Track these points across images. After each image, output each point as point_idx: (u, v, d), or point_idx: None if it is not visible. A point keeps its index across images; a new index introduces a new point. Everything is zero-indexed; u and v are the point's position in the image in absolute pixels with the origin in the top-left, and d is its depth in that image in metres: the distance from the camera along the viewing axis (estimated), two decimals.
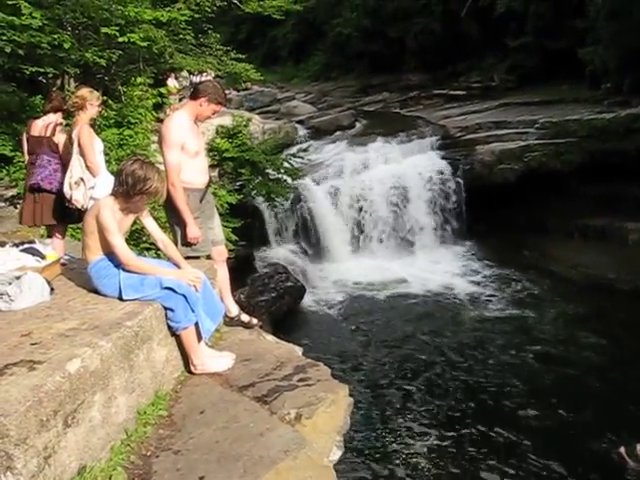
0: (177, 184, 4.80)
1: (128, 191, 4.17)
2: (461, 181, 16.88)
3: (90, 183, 6.09)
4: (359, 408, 8.52)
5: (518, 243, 15.36)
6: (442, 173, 17.00)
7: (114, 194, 4.24)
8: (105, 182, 5.81)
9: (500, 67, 24.36)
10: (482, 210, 15.65)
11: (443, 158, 17.34)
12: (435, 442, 8.49)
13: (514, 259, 15.02)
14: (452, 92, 24.50)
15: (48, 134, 6.56)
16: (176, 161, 4.82)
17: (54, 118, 6.66)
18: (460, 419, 9.00)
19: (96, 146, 6.33)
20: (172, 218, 4.99)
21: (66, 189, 6.20)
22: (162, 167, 4.80)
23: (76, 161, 6.13)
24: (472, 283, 14.21)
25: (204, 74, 17.79)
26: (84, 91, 6.48)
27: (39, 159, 6.58)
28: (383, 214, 16.43)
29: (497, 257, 15.37)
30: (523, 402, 9.28)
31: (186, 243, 4.92)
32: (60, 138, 6.52)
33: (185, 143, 4.85)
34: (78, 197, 6.08)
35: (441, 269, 14.92)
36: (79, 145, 6.16)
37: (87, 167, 6.16)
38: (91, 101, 6.36)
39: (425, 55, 27.34)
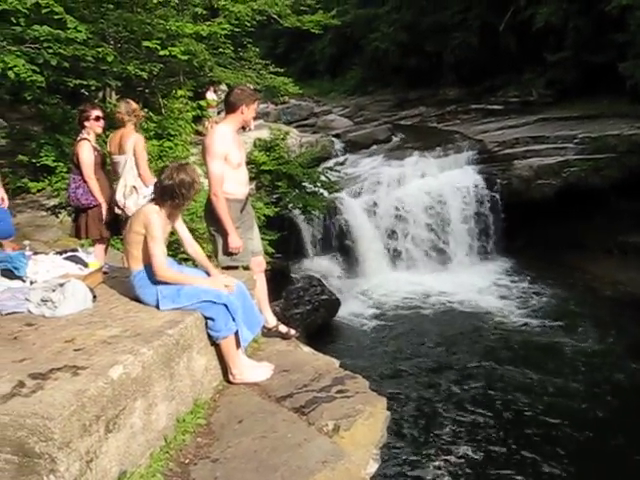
0: (220, 194, 4.87)
1: (183, 200, 4.26)
2: (498, 196, 16.76)
3: (142, 192, 6.20)
4: (394, 421, 8.48)
5: (556, 259, 15.18)
6: (479, 188, 16.88)
7: (161, 204, 4.29)
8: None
9: (538, 81, 24.17)
10: (519, 226, 15.52)
11: (480, 173, 17.22)
12: (470, 457, 8.41)
13: (552, 276, 14.85)
14: (490, 106, 24.36)
15: (75, 150, 6.72)
16: (219, 172, 4.88)
17: (84, 133, 6.78)
18: (495, 435, 8.91)
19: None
20: (213, 228, 5.05)
21: (119, 197, 6.34)
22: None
23: (130, 170, 6.25)
24: (509, 299, 14.05)
25: (212, 88, 18.00)
26: (131, 103, 6.66)
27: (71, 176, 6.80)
28: (419, 228, 16.37)
29: (534, 273, 15.20)
30: (562, 424, 9.13)
31: (227, 253, 4.97)
32: (81, 153, 6.61)
33: (228, 154, 4.91)
34: (130, 205, 6.21)
35: (477, 284, 14.78)
36: (134, 154, 6.31)
37: (139, 176, 6.29)
38: (138, 112, 6.57)
39: (462, 69, 27.28)
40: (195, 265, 4.85)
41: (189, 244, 4.64)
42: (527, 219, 15.22)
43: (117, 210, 6.49)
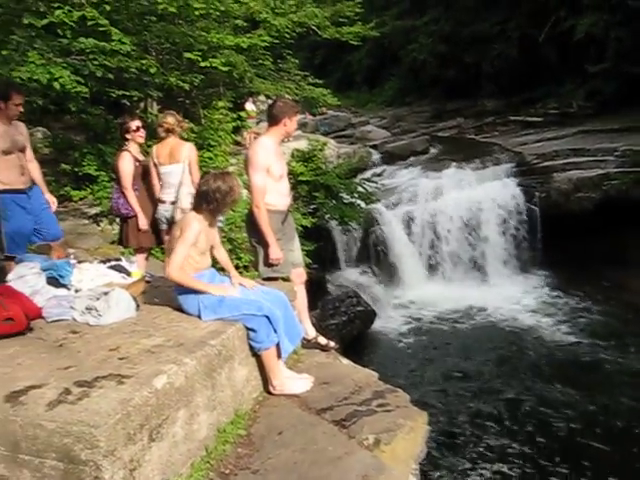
0: (262, 206, 4.91)
1: (219, 206, 4.30)
2: (537, 209, 16.57)
3: None
4: (432, 436, 8.41)
5: (595, 274, 14.93)
6: (517, 200, 16.70)
7: (199, 211, 4.34)
8: None
9: (579, 93, 23.87)
10: (558, 239, 15.30)
11: (518, 185, 17.02)
12: (509, 475, 8.30)
13: (591, 290, 14.61)
14: (529, 118, 24.10)
15: (115, 161, 6.87)
16: (262, 184, 4.93)
17: (126, 144, 6.90)
18: (536, 454, 8.75)
19: None
20: (254, 239, 5.09)
21: (187, 205, 6.40)
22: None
23: (186, 179, 6.35)
24: (547, 314, 13.86)
25: (251, 99, 18.10)
26: (176, 115, 6.78)
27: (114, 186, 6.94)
28: (456, 241, 16.25)
29: (573, 287, 14.98)
30: (606, 442, 8.92)
31: (268, 264, 5.01)
32: (120, 163, 6.74)
33: (271, 166, 4.96)
34: None
35: (515, 298, 14.59)
36: (189, 164, 6.41)
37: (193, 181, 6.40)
38: (182, 123, 6.68)
39: (501, 80, 27.08)
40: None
41: (216, 246, 4.72)
42: (566, 232, 15.01)
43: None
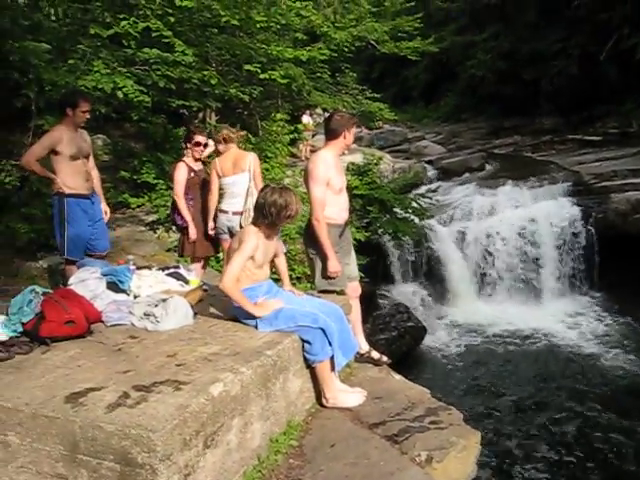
0: (321, 219, 4.93)
1: (274, 221, 4.32)
2: (593, 229, 16.28)
3: None
4: (483, 456, 8.30)
5: None
6: (573, 220, 16.42)
7: (257, 224, 4.39)
8: None
9: (639, 113, 23.46)
10: (614, 261, 14.98)
11: (575, 205, 16.75)
12: None
13: None
14: (587, 137, 23.70)
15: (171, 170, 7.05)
16: (322, 197, 4.95)
17: (184, 153, 7.06)
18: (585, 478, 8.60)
19: None
20: (312, 252, 5.11)
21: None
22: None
23: (253, 189, 6.45)
24: (600, 336, 13.56)
25: (308, 111, 18.16)
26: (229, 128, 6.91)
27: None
28: (510, 259, 16.04)
29: (629, 311, 14.61)
30: None
31: (326, 277, 5.02)
32: (174, 173, 6.90)
33: (331, 179, 4.98)
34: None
35: (568, 319, 14.33)
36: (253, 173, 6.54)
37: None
38: (238, 134, 6.81)
39: (560, 99, 26.71)
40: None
41: (277, 255, 4.80)
42: (623, 254, 14.70)
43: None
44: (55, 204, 6.16)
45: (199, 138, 6.88)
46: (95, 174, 6.51)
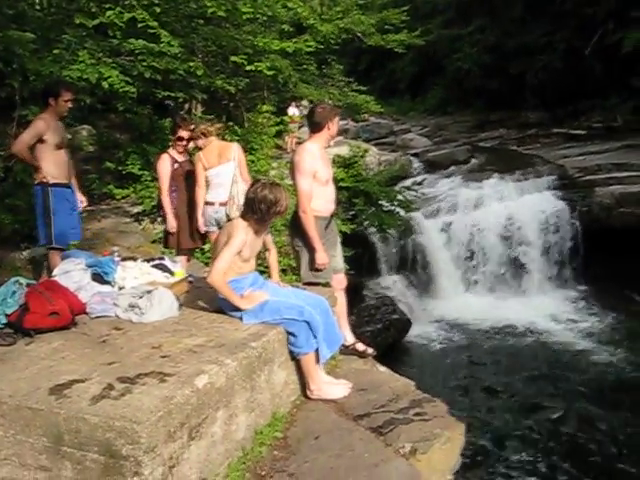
0: (308, 211, 4.94)
1: (263, 217, 4.32)
2: (578, 223, 16.36)
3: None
4: (467, 448, 8.33)
5: (637, 291, 14.70)
6: (558, 213, 16.52)
7: (245, 218, 4.38)
8: None
9: (624, 107, 23.53)
10: (599, 254, 15.08)
11: (560, 198, 16.82)
12: None
13: (631, 308, 14.35)
14: (572, 131, 23.79)
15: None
16: (308, 189, 4.96)
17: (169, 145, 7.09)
18: (567, 473, 8.65)
19: None
20: (298, 244, 5.12)
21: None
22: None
23: (238, 177, 6.47)
24: (584, 329, 13.65)
25: (294, 103, 18.13)
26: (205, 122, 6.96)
27: None
28: (495, 252, 16.10)
29: (612, 304, 14.71)
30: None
31: (313, 269, 5.03)
32: (157, 165, 6.94)
33: (317, 172, 4.98)
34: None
35: (553, 312, 14.40)
36: (238, 162, 6.58)
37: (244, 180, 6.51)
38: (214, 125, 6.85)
39: (545, 92, 26.82)
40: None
41: (269, 249, 4.87)
42: (608, 248, 14.79)
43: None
44: (38, 194, 6.21)
45: (182, 133, 6.86)
46: (70, 163, 6.54)
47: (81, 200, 6.71)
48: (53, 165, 6.13)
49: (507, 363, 12.11)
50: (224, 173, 6.50)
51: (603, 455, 9.01)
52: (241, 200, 6.30)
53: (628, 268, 14.57)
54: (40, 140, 6.03)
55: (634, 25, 22.12)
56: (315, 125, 5.16)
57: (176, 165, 6.82)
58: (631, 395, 10.69)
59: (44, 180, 6.09)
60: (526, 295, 15.55)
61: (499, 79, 29.04)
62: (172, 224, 6.78)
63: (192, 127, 6.97)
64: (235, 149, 6.68)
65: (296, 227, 5.06)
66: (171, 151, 6.90)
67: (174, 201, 6.81)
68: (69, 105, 6.26)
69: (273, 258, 4.95)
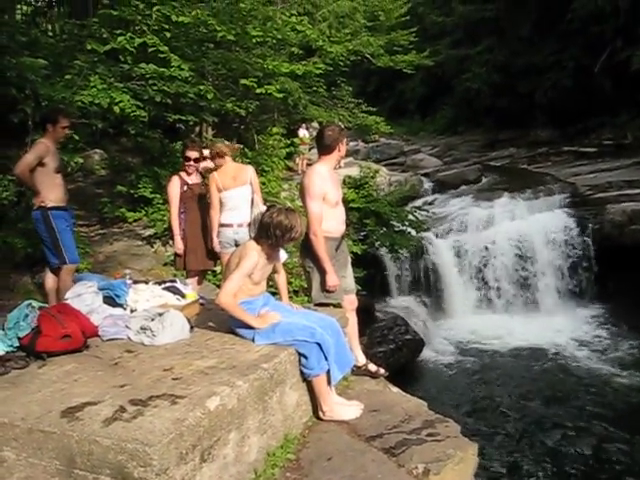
0: (319, 234, 4.95)
1: (277, 242, 4.35)
2: (590, 241, 16.30)
3: None
4: (481, 468, 8.26)
5: None
6: (570, 232, 16.46)
7: (259, 242, 4.40)
8: None
9: (634, 124, 23.51)
10: (611, 272, 15.01)
11: (571, 216, 16.79)
12: None
13: None
14: (582, 149, 23.81)
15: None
16: (319, 211, 4.97)
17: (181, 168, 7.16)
18: None
19: None
20: (309, 265, 5.12)
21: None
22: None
23: (258, 200, 6.55)
24: (599, 348, 13.55)
25: (304, 125, 18.20)
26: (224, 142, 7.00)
27: None
28: (507, 271, 16.06)
29: (627, 322, 14.58)
30: None
31: (324, 290, 5.04)
32: (167, 187, 7.00)
33: (327, 193, 5.01)
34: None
35: (567, 332, 14.30)
36: (252, 185, 6.67)
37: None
38: (233, 146, 6.92)
39: (555, 111, 26.85)
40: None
41: (277, 271, 4.85)
42: (620, 265, 14.72)
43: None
44: (39, 218, 6.37)
45: (189, 153, 6.93)
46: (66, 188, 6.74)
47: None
48: (52, 189, 6.32)
49: (521, 384, 12.02)
50: (238, 196, 6.56)
51: (612, 474, 8.93)
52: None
53: None
54: (40, 164, 6.18)
55: None
56: (325, 147, 5.19)
57: (185, 187, 6.87)
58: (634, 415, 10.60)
59: (42, 204, 6.28)
60: (539, 314, 15.46)
61: (508, 98, 29.14)
62: (179, 245, 6.83)
63: (202, 148, 7.05)
64: (250, 172, 6.77)
65: (307, 249, 5.07)
66: (182, 173, 6.95)
67: (182, 223, 6.85)
68: (66, 132, 6.53)
69: (282, 280, 4.97)
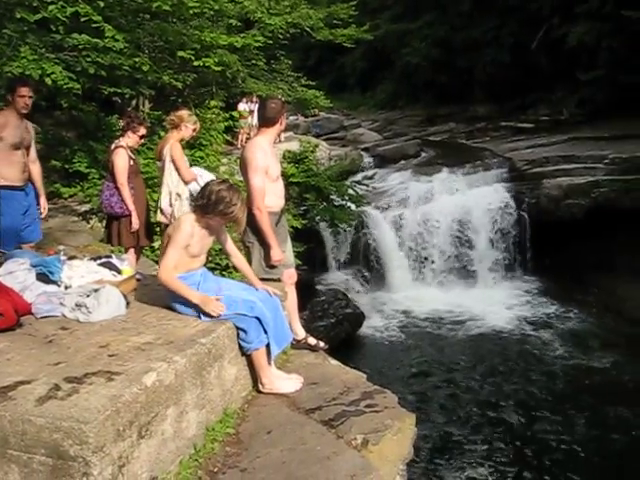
0: (263, 208, 4.91)
1: (206, 206, 4.21)
2: (526, 215, 16.64)
3: (185, 194, 6.35)
4: (418, 438, 8.41)
5: (584, 281, 14.98)
6: (507, 206, 16.78)
7: (196, 212, 4.31)
8: None
9: (570, 100, 24.02)
10: (547, 245, 15.39)
11: (508, 191, 17.11)
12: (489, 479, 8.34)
13: (579, 297, 14.65)
14: (520, 125, 24.23)
15: (110, 157, 6.84)
16: (262, 185, 4.93)
17: (122, 140, 6.90)
18: (515, 458, 8.80)
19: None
20: (250, 240, 5.08)
21: (164, 205, 6.48)
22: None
23: (168, 176, 6.38)
24: (533, 319, 13.90)
25: (244, 99, 18.04)
26: (183, 112, 6.82)
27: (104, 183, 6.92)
28: (446, 245, 16.30)
29: (561, 294, 15.00)
30: (589, 451, 8.96)
31: (269, 265, 5.01)
32: (117, 160, 6.71)
33: (269, 168, 4.97)
34: (176, 212, 6.36)
35: (503, 303, 14.65)
36: (172, 161, 6.44)
37: (182, 179, 6.43)
38: (187, 123, 6.68)
39: (493, 86, 27.23)
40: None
41: (233, 255, 4.70)
42: (555, 239, 15.08)
43: (162, 218, 6.64)
44: None
45: (143, 130, 6.84)
46: (37, 167, 6.39)
47: (44, 207, 6.54)
48: (6, 166, 5.90)
49: (458, 354, 12.29)
50: (161, 170, 6.49)
51: (553, 443, 9.22)
52: (162, 203, 6.34)
53: (575, 258, 14.89)
54: None
55: (578, 20, 22.56)
56: (267, 120, 5.14)
57: (132, 161, 6.74)
58: (578, 381, 10.94)
59: None
60: (475, 286, 15.79)
61: (448, 73, 29.41)
62: (136, 221, 6.67)
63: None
64: (168, 148, 6.62)
65: (247, 223, 5.03)
66: (126, 145, 6.77)
67: (132, 198, 6.71)
68: (26, 101, 6.01)
69: (241, 264, 4.73)
